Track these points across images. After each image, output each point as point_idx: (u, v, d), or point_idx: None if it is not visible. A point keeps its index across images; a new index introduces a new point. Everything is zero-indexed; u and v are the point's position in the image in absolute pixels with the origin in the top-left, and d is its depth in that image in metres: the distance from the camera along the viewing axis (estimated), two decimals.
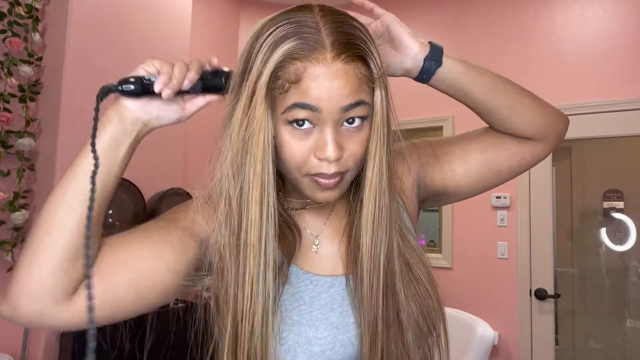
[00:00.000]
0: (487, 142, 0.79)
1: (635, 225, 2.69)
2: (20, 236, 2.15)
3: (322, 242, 0.72)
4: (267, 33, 0.58)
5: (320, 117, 0.57)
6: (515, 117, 0.75)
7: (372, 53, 0.59)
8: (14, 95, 2.13)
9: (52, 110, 2.16)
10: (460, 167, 0.77)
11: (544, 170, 2.78)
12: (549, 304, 2.70)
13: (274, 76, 0.57)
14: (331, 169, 0.59)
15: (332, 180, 0.60)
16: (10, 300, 0.55)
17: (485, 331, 2.19)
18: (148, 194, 2.33)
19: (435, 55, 0.71)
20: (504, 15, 2.99)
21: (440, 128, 3.17)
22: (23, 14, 2.15)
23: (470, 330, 2.28)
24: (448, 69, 0.72)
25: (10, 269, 2.10)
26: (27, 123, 2.17)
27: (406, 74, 0.75)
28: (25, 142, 2.11)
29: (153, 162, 2.43)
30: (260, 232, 0.60)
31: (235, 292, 0.61)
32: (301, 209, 0.73)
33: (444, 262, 3.07)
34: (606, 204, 2.79)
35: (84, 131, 2.41)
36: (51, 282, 0.54)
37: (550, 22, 2.84)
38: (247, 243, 0.60)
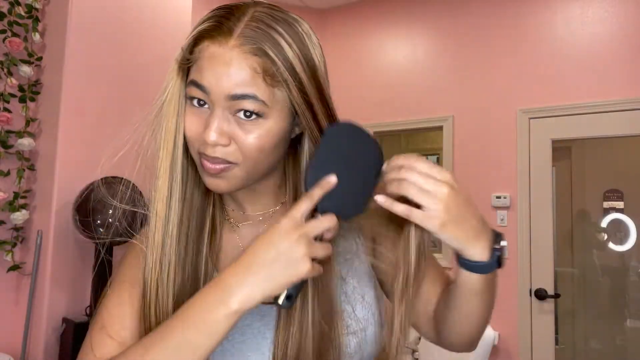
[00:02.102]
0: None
1: (635, 225, 2.69)
2: (20, 236, 2.15)
3: None
4: (207, 15, 0.60)
5: (211, 99, 0.57)
6: (455, 334, 0.69)
7: (282, 54, 0.56)
8: (14, 95, 2.13)
9: (52, 110, 2.16)
10: None
11: (544, 170, 2.78)
12: (549, 304, 2.70)
13: (189, 51, 0.60)
14: (214, 152, 0.58)
15: (215, 166, 0.59)
16: None
17: (485, 331, 2.20)
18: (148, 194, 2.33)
19: (470, 266, 0.60)
20: (504, 16, 2.99)
21: (440, 128, 3.17)
22: (23, 14, 2.15)
23: None
24: (466, 279, 0.62)
25: (10, 269, 2.10)
26: (27, 123, 2.17)
27: None
28: (25, 142, 2.11)
29: (153, 162, 2.43)
30: (169, 195, 0.63)
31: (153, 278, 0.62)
32: (240, 223, 0.70)
33: (444, 262, 3.07)
34: (606, 204, 2.79)
35: (84, 131, 2.41)
36: None
37: (550, 22, 2.84)
38: (156, 210, 0.63)
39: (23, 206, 2.13)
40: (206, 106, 0.59)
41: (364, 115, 3.47)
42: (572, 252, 2.95)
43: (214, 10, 0.60)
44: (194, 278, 0.64)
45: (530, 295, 2.73)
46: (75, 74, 2.16)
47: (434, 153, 5.01)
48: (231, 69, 0.55)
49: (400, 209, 0.56)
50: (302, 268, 0.53)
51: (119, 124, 2.30)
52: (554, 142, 2.77)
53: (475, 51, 3.08)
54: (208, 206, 0.68)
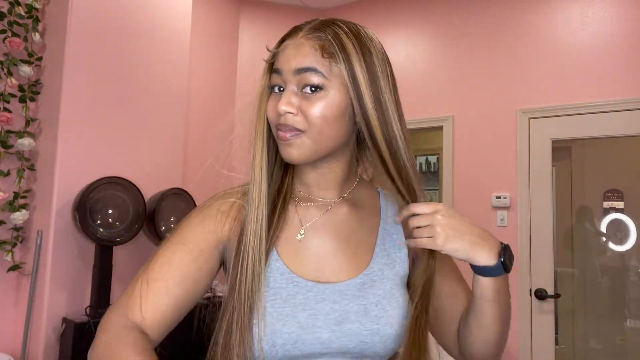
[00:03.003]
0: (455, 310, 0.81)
1: (635, 225, 2.69)
2: (20, 236, 2.15)
3: (309, 234, 0.76)
4: None
5: (284, 79, 0.71)
6: (474, 348, 0.77)
7: (337, 36, 0.69)
8: (14, 95, 2.13)
9: (52, 110, 2.16)
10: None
11: (544, 170, 2.78)
12: (549, 304, 2.70)
13: (276, 49, 0.74)
14: (285, 120, 0.69)
15: (286, 133, 0.70)
16: None
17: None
18: (148, 194, 2.33)
19: (482, 271, 0.71)
20: (504, 16, 2.99)
21: (440, 128, 3.17)
22: (23, 14, 2.15)
23: None
24: (479, 284, 0.72)
25: (10, 269, 2.10)
26: (27, 123, 2.17)
27: None
28: (25, 142, 2.11)
29: (153, 162, 2.43)
30: (262, 163, 0.73)
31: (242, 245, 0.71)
32: (303, 203, 0.79)
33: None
34: (606, 204, 2.79)
35: (84, 131, 2.42)
36: None
37: (550, 22, 2.84)
38: (254, 176, 0.73)
39: (23, 206, 2.13)
40: (282, 90, 0.72)
41: None
42: (572, 252, 2.94)
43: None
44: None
45: (530, 295, 2.73)
46: (75, 74, 2.16)
47: (434, 153, 5.00)
48: (297, 51, 0.70)
49: (412, 244, 0.72)
50: None
51: (119, 124, 2.31)
52: (554, 142, 2.77)
53: (475, 51, 3.08)
54: (283, 186, 0.78)
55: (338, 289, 0.72)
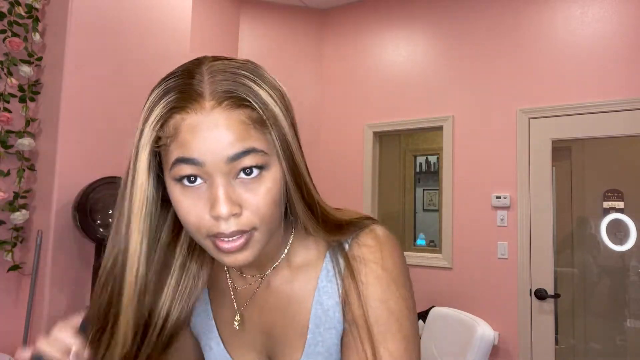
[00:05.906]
0: None
1: (635, 225, 2.69)
2: (20, 236, 2.15)
3: (244, 316, 0.69)
4: (155, 90, 0.55)
5: (207, 171, 0.52)
6: None
7: (258, 96, 0.53)
8: (14, 95, 2.13)
9: (52, 110, 2.16)
10: None
11: (544, 170, 2.78)
12: (549, 304, 2.70)
13: (158, 133, 0.53)
14: (229, 227, 0.52)
15: (235, 243, 0.53)
16: None
17: (485, 331, 2.19)
18: None
19: None
20: (504, 16, 2.99)
21: (440, 128, 3.17)
22: (23, 14, 2.15)
23: (470, 330, 2.28)
24: None
25: (10, 269, 2.10)
26: (27, 123, 2.17)
27: None
28: (25, 142, 2.11)
29: None
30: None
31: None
32: (241, 272, 0.70)
33: (444, 262, 3.07)
34: (606, 204, 2.79)
35: (84, 131, 2.41)
36: None
37: (550, 23, 2.84)
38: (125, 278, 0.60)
39: (23, 206, 2.12)
40: (198, 181, 0.53)
41: (364, 115, 3.47)
42: (572, 252, 2.95)
43: (163, 82, 0.55)
44: None
45: (530, 295, 2.73)
46: (75, 74, 2.16)
47: (434, 153, 5.01)
48: (220, 130, 0.51)
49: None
50: None
51: (119, 125, 2.31)
52: (554, 142, 2.77)
53: (475, 51, 3.08)
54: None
55: None
